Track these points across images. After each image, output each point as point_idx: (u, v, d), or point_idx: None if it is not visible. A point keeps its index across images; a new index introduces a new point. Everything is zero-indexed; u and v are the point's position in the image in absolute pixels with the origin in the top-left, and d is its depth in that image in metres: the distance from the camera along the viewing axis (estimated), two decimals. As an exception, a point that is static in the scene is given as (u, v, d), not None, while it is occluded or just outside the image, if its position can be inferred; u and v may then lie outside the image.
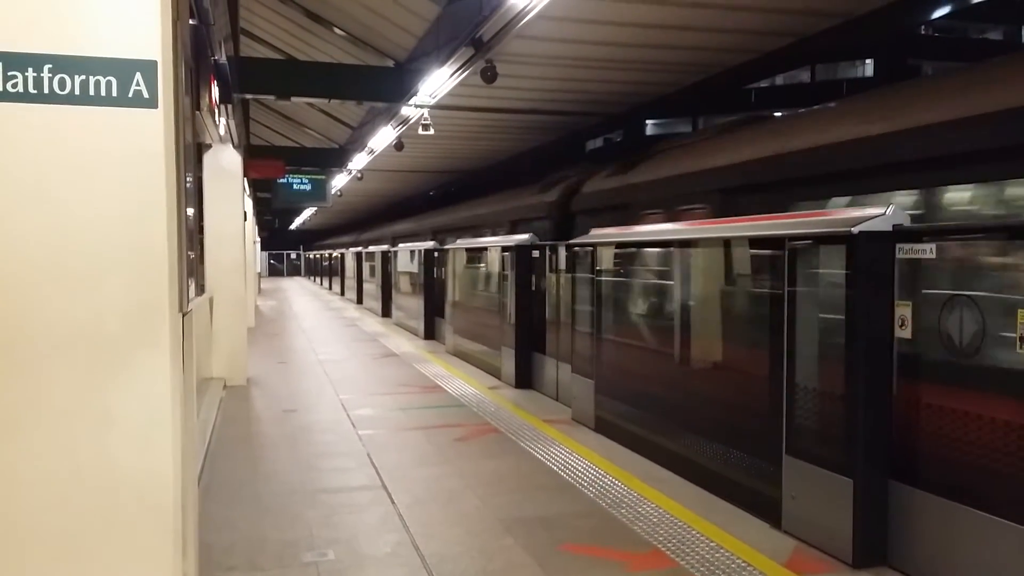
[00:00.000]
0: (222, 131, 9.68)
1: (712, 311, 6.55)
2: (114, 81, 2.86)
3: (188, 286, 3.30)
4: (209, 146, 10.84)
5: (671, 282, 7.04)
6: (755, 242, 5.77)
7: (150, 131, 2.89)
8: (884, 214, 4.54)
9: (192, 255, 3.55)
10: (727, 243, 6.24)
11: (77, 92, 2.85)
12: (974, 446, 4.17)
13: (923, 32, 15.43)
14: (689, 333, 6.76)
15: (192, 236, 3.60)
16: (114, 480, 2.89)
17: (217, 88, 7.42)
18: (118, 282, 2.87)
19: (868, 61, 16.35)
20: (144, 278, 2.89)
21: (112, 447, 2.88)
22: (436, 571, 4.55)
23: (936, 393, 4.44)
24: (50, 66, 2.83)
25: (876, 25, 7.61)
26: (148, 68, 2.88)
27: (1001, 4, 15.97)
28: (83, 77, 2.85)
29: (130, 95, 2.87)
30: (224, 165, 11.14)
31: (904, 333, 4.52)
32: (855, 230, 4.53)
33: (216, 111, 7.85)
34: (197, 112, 6.46)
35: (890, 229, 4.52)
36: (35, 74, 2.82)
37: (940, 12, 8.70)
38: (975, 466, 4.16)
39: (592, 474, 6.43)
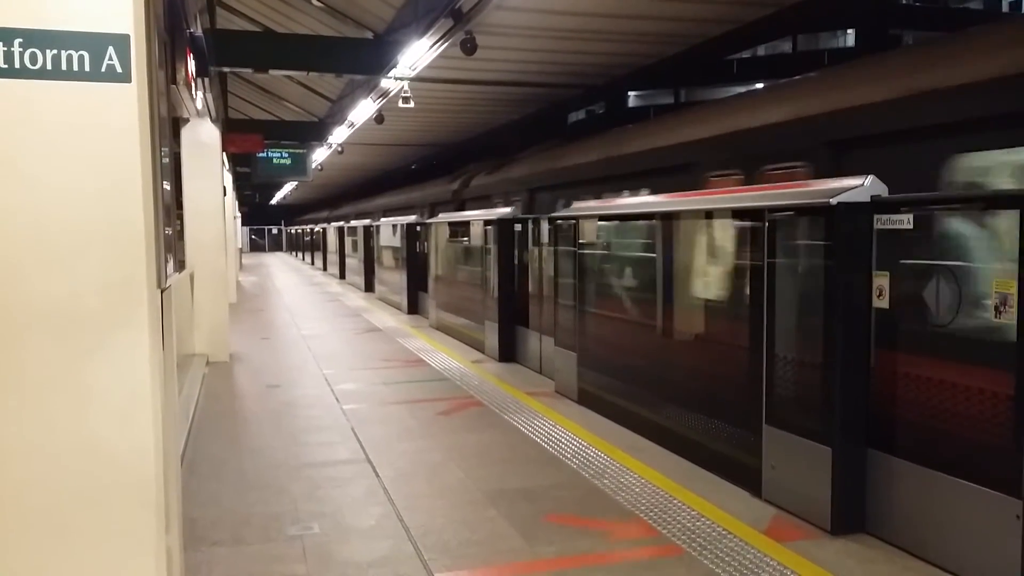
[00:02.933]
0: (199, 105, 9.56)
1: (693, 283, 6.59)
2: (86, 55, 2.82)
3: (166, 262, 3.28)
4: (186, 120, 10.71)
5: (652, 254, 7.06)
6: (735, 214, 5.79)
7: (124, 106, 2.85)
8: (863, 185, 4.57)
9: (170, 231, 3.52)
10: (708, 215, 6.27)
11: (49, 67, 2.80)
12: (949, 414, 4.24)
13: (904, 2, 15.40)
14: (671, 305, 6.80)
15: (170, 211, 3.57)
16: (95, 456, 2.88)
17: (193, 61, 7.33)
18: (94, 258, 2.84)
19: (850, 31, 16.32)
20: (121, 254, 2.86)
21: (92, 423, 2.87)
22: (420, 543, 4.59)
23: (913, 362, 4.50)
24: (20, 40, 2.78)
25: (856, -5, 7.60)
26: (120, 42, 2.84)
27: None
28: (55, 52, 2.80)
29: (103, 69, 2.83)
30: (202, 139, 11.03)
31: (882, 303, 4.57)
32: (834, 201, 4.55)
33: (192, 85, 7.75)
34: (173, 86, 6.40)
35: (868, 200, 4.55)
36: (5, 49, 2.77)
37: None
38: (950, 433, 4.23)
39: (575, 445, 6.48)
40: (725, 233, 6.13)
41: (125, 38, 2.85)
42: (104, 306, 2.87)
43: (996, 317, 3.90)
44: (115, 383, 2.89)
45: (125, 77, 2.85)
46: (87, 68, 2.83)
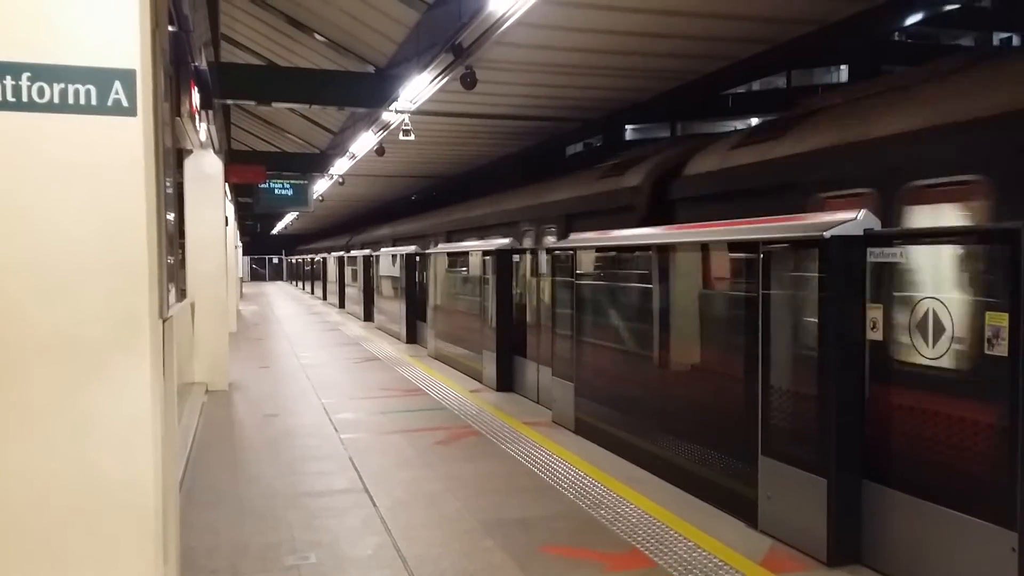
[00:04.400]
0: (203, 137, 9.68)
1: (689, 314, 6.63)
2: (93, 89, 2.89)
3: (168, 292, 3.34)
4: (190, 152, 10.83)
5: (649, 285, 7.11)
6: (731, 246, 5.85)
7: (129, 139, 2.92)
8: (856, 219, 4.63)
9: (172, 260, 3.58)
10: (703, 247, 6.32)
11: (56, 100, 2.87)
12: (943, 446, 4.26)
13: (896, 38, 15.65)
14: (667, 336, 6.84)
15: (173, 241, 3.63)
16: (94, 485, 2.91)
17: (197, 94, 7.44)
18: (98, 288, 2.90)
19: (843, 67, 16.57)
20: (124, 284, 2.92)
21: (92, 452, 2.90)
22: (417, 573, 4.59)
23: (907, 394, 4.53)
24: (28, 74, 2.85)
25: (849, 31, 7.73)
26: (127, 77, 2.92)
27: (972, 11, 16.28)
28: (62, 85, 2.87)
29: (109, 103, 2.90)
30: (205, 170, 11.13)
31: (876, 335, 4.61)
32: (827, 234, 4.61)
33: (196, 117, 7.86)
34: (177, 118, 6.49)
35: (861, 233, 4.61)
36: (13, 82, 2.85)
37: (913, 19, 8.84)
38: (945, 465, 4.25)
39: (572, 476, 6.49)
40: (721, 265, 6.18)
41: (131, 73, 2.93)
42: (106, 335, 2.91)
43: (989, 350, 3.93)
44: (116, 412, 2.93)
45: (131, 111, 2.93)
46: (94, 102, 2.90)
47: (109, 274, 2.90)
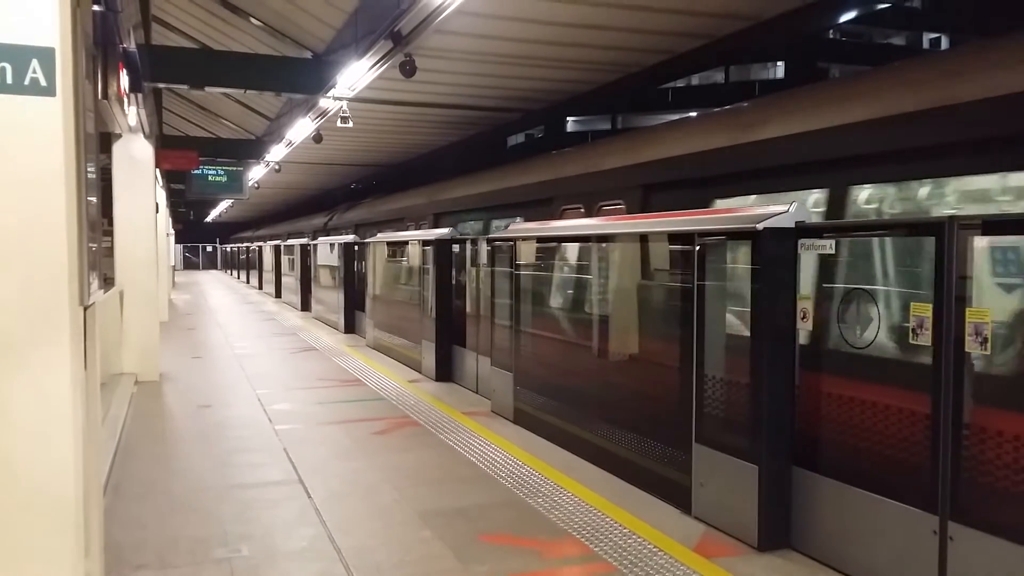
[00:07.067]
0: (132, 121, 9.38)
1: (626, 305, 6.69)
2: (8, 67, 2.77)
3: (90, 279, 3.22)
4: (118, 136, 10.50)
5: (588, 276, 7.16)
6: (668, 238, 5.91)
7: (48, 120, 2.81)
8: (787, 211, 4.72)
9: (95, 247, 3.45)
10: (641, 239, 6.38)
11: (-31, 78, 2.74)
12: (869, 432, 4.38)
13: (831, 36, 16.02)
14: (605, 326, 6.90)
15: (96, 227, 3.50)
16: (10, 478, 2.80)
17: (126, 76, 7.20)
18: (13, 275, 2.78)
19: (780, 63, 16.90)
20: (41, 271, 2.80)
21: (8, 445, 2.79)
22: (352, 564, 4.54)
23: (835, 383, 4.64)
24: (-61, 50, 2.72)
25: (785, 28, 7.87)
26: (45, 55, 2.80)
27: (903, 11, 16.77)
28: (-25, 63, 2.75)
29: (26, 83, 2.78)
30: (135, 155, 10.83)
31: (806, 325, 4.72)
32: (760, 226, 4.69)
33: (125, 100, 7.61)
34: (104, 101, 6.27)
35: (792, 225, 4.70)
36: (-77, 58, 2.71)
37: (846, 17, 9.04)
38: (871, 451, 4.37)
39: (510, 465, 6.50)
40: (658, 257, 6.25)
41: (50, 51, 2.81)
42: (22, 323, 2.80)
43: (913, 339, 4.05)
44: (33, 402, 2.82)
45: (50, 91, 2.81)
46: (9, 80, 2.78)
47: (25, 260, 2.78)
